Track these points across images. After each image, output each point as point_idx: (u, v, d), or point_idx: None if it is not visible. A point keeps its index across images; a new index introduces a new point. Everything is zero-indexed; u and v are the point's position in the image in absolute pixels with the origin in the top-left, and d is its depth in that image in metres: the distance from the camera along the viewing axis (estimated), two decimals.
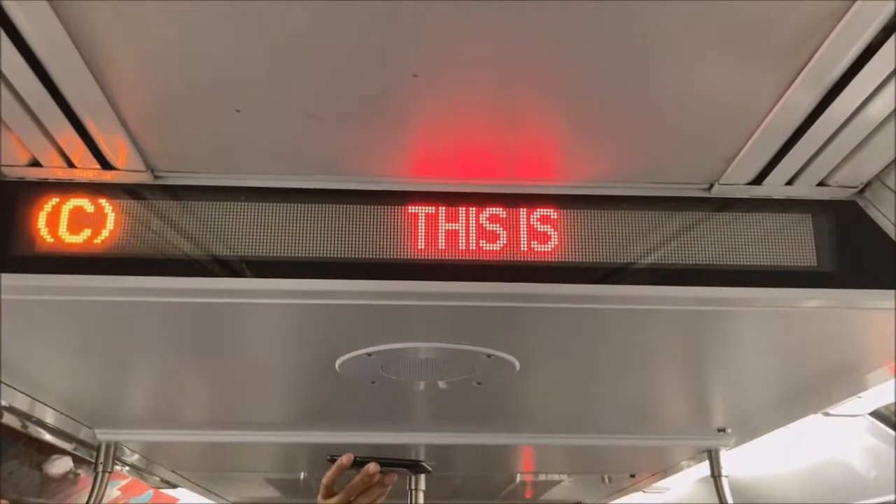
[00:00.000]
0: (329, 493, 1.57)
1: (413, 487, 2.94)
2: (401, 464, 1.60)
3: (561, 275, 1.55)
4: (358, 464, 1.56)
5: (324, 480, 1.58)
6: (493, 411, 2.54)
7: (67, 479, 3.23)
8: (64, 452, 2.98)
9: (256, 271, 1.53)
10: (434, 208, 1.57)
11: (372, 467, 1.54)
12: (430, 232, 1.56)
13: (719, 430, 2.73)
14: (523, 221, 1.57)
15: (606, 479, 3.93)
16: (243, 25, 1.16)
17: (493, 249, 1.55)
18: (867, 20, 1.14)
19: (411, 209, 1.57)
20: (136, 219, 1.54)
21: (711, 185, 1.59)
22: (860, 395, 2.25)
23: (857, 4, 1.11)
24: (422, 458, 3.01)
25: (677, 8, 1.12)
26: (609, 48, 1.21)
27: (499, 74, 1.28)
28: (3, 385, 2.17)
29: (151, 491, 3.81)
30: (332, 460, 1.58)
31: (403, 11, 1.12)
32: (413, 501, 2.84)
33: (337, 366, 1.96)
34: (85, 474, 3.24)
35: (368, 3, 1.11)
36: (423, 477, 3.04)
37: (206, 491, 4.10)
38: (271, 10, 1.13)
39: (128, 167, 1.53)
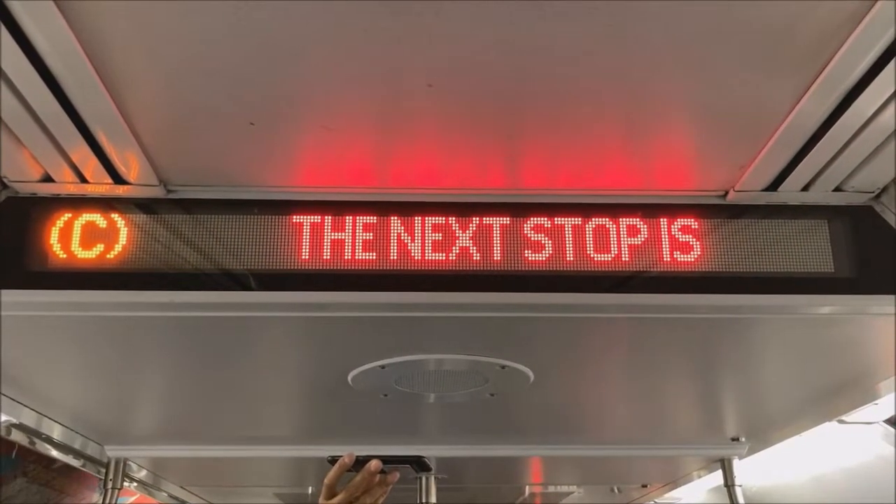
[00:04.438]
0: (331, 494, 1.55)
1: (424, 501, 2.93)
2: (403, 460, 1.57)
3: (576, 284, 1.54)
4: (360, 463, 1.54)
5: (326, 480, 1.56)
6: (506, 423, 2.53)
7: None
8: (73, 469, 2.97)
9: (270, 284, 1.52)
10: (445, 219, 1.56)
11: (374, 464, 1.52)
12: (443, 243, 1.55)
13: (733, 439, 2.71)
14: (540, 231, 1.56)
15: (616, 490, 3.91)
16: (256, 38, 1.15)
17: (507, 260, 1.54)
18: (884, 25, 1.13)
19: (422, 220, 1.56)
20: (149, 233, 1.53)
21: (727, 192, 1.59)
22: (876, 401, 2.23)
23: (875, 8, 1.10)
24: (433, 469, 2.99)
25: (691, 15, 1.11)
26: (621, 56, 1.20)
27: (508, 84, 1.27)
28: (11, 401, 2.16)
29: None
30: (333, 461, 1.56)
31: (416, 22, 1.12)
32: None
33: (350, 379, 1.95)
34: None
35: (382, 15, 1.10)
36: (433, 489, 3.03)
37: None
38: (284, 24, 1.12)
39: (140, 181, 1.52)
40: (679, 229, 1.57)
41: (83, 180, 1.52)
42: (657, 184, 1.57)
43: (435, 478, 3.07)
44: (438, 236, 1.55)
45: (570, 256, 1.54)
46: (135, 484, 3.24)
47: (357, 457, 1.55)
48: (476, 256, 1.54)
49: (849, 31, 1.15)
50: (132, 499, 3.54)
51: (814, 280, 1.56)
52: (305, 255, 1.53)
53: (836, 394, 2.19)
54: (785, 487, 3.36)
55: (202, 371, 1.95)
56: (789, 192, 1.57)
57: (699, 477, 3.30)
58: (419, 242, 1.54)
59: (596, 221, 1.56)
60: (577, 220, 1.56)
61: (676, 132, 1.41)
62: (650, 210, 1.58)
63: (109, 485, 2.68)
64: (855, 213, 1.59)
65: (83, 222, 1.53)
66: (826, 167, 1.49)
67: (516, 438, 2.72)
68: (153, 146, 1.44)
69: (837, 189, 1.57)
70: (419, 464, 1.59)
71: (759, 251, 1.56)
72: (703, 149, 1.46)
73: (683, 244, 1.56)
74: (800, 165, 1.48)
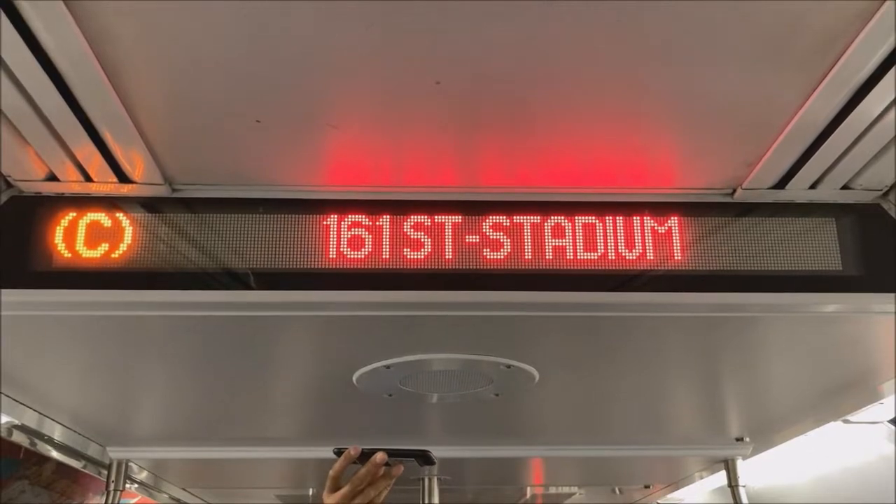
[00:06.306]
0: (336, 487, 1.55)
1: (427, 502, 2.92)
2: (408, 454, 1.57)
3: (582, 283, 1.53)
4: (365, 455, 1.54)
5: (331, 473, 1.55)
6: (509, 423, 2.52)
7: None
8: (74, 471, 2.96)
9: (275, 284, 1.51)
10: (449, 217, 1.56)
11: (379, 456, 1.51)
12: (449, 242, 1.54)
13: (737, 440, 2.70)
14: (544, 229, 1.55)
15: (618, 491, 3.90)
16: (262, 36, 1.15)
17: (513, 258, 1.53)
18: (892, 24, 1.13)
19: (430, 218, 1.55)
20: (154, 232, 1.53)
21: (734, 190, 1.58)
22: (881, 401, 2.22)
23: (883, 7, 1.10)
24: (435, 471, 2.99)
25: (700, 12, 1.11)
26: (630, 53, 1.20)
27: (517, 80, 1.26)
28: (12, 402, 2.15)
29: None
30: (339, 453, 1.56)
31: (425, 19, 1.11)
32: None
33: (354, 379, 1.94)
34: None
35: (390, 12, 1.10)
36: (436, 490, 3.02)
37: None
38: (292, 22, 1.12)
39: (145, 180, 1.51)
40: (687, 227, 1.56)
41: (88, 179, 1.51)
42: (665, 181, 1.57)
43: (438, 479, 3.07)
44: (447, 234, 1.54)
45: (580, 255, 1.54)
46: (136, 485, 3.23)
47: (362, 449, 1.55)
48: (482, 254, 1.53)
49: (857, 29, 1.15)
50: (134, 500, 3.53)
51: (821, 278, 1.55)
52: (311, 254, 1.52)
53: (842, 393, 2.18)
54: (788, 488, 3.36)
55: (206, 371, 1.94)
56: (797, 190, 1.56)
57: (702, 478, 3.29)
58: (427, 240, 1.54)
59: (602, 219, 1.56)
60: (583, 219, 1.56)
61: (684, 130, 1.41)
62: (658, 208, 1.57)
63: (111, 486, 2.66)
64: (863, 211, 1.59)
65: (88, 221, 1.53)
66: (834, 165, 1.49)
67: (519, 439, 2.71)
68: (158, 144, 1.43)
69: (845, 187, 1.57)
70: (425, 458, 1.58)
71: (767, 249, 1.56)
72: (710, 147, 1.46)
73: (691, 242, 1.56)
74: (808, 163, 1.47)
